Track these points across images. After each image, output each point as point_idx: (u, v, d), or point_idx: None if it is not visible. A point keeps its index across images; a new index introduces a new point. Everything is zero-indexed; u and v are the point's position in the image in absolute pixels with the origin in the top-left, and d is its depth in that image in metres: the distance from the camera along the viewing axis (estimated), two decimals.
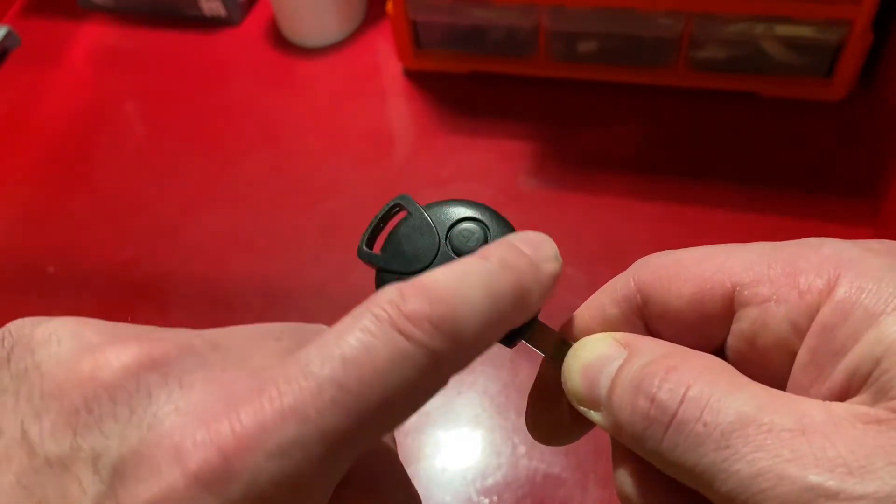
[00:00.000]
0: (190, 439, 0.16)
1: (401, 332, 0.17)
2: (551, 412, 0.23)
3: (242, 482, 0.15)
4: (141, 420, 0.16)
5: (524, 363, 0.56)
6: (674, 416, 0.18)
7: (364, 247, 0.25)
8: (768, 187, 0.64)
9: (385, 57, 0.78)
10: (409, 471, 0.22)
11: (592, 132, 0.69)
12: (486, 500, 0.51)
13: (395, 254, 0.24)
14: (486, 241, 0.25)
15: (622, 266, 0.23)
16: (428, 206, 0.25)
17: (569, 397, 0.22)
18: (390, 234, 0.25)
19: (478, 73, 0.73)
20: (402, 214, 0.25)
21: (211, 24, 0.84)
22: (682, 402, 0.18)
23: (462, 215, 0.25)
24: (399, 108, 0.75)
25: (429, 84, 0.74)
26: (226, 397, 0.16)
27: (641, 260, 0.22)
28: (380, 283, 0.24)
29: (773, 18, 0.62)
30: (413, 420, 0.55)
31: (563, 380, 0.22)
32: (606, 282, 0.24)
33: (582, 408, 0.21)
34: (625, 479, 0.21)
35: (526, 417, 0.24)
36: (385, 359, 0.17)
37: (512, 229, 0.25)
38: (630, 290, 0.22)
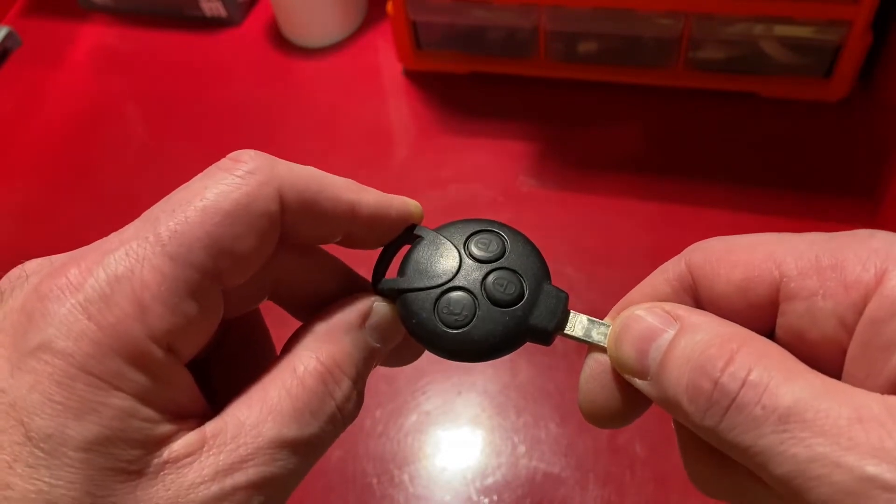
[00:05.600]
0: (44, 280, 0.19)
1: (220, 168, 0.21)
2: (605, 395, 0.23)
3: (87, 287, 0.19)
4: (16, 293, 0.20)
5: (524, 363, 0.56)
6: (734, 398, 0.18)
7: (380, 279, 0.25)
8: (768, 187, 0.64)
9: (385, 57, 0.78)
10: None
11: (592, 132, 0.69)
12: (486, 500, 0.51)
13: (416, 273, 0.24)
14: (504, 246, 0.24)
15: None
16: (438, 228, 0.25)
17: (614, 364, 0.22)
18: (404, 261, 0.24)
19: (477, 74, 0.73)
20: (406, 248, 0.25)
21: (211, 24, 0.84)
22: (742, 385, 0.18)
23: (474, 229, 0.25)
24: (399, 109, 0.75)
25: (429, 84, 0.74)
26: (76, 255, 0.20)
27: (695, 244, 0.22)
28: (407, 305, 0.24)
29: (772, 19, 0.62)
30: (413, 420, 0.55)
31: (608, 347, 0.22)
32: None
33: (627, 375, 0.22)
34: (690, 455, 0.22)
35: (579, 401, 0.24)
36: (201, 182, 0.21)
37: (526, 238, 0.25)
38: (682, 270, 0.22)
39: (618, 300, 0.24)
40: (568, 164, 0.68)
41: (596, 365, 0.23)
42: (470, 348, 0.23)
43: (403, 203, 0.25)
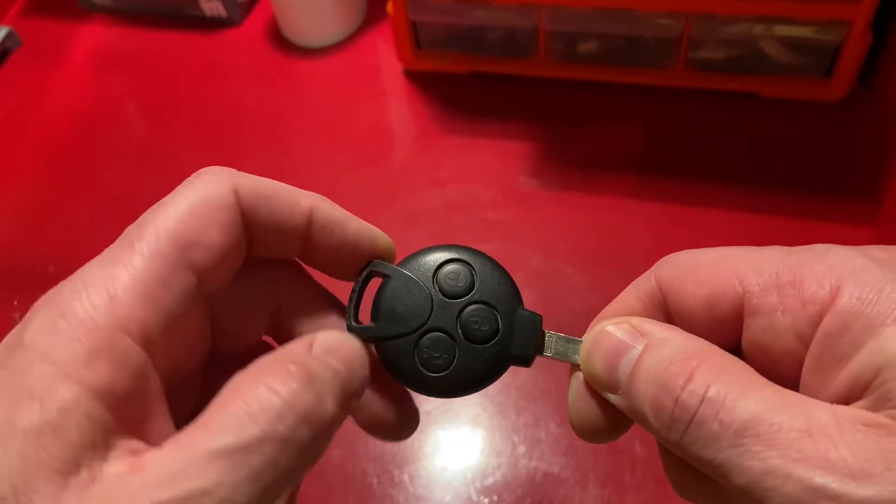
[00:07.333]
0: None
1: None
2: (591, 411, 0.24)
3: (63, 290, 0.20)
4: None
5: None
6: (694, 415, 0.19)
7: (353, 323, 0.24)
8: (768, 187, 0.64)
9: (385, 57, 0.78)
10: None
11: (592, 132, 0.69)
12: (486, 500, 0.51)
13: (390, 318, 0.24)
14: (473, 278, 0.24)
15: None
16: (403, 263, 0.25)
17: (587, 379, 0.23)
18: (376, 301, 0.24)
19: (478, 74, 0.73)
20: (378, 280, 0.25)
21: (211, 24, 0.84)
22: (701, 402, 0.19)
23: (440, 261, 0.24)
24: (399, 108, 0.75)
25: (429, 84, 0.74)
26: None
27: (664, 259, 0.23)
28: (385, 352, 0.24)
29: (772, 19, 0.62)
30: None
31: (581, 362, 0.23)
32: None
33: (600, 390, 0.23)
34: (669, 464, 0.23)
35: (569, 418, 0.25)
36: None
37: (494, 262, 0.25)
38: (651, 286, 0.23)
39: None
40: (568, 164, 0.68)
41: (578, 383, 0.24)
42: (454, 388, 0.24)
43: (366, 226, 0.25)
